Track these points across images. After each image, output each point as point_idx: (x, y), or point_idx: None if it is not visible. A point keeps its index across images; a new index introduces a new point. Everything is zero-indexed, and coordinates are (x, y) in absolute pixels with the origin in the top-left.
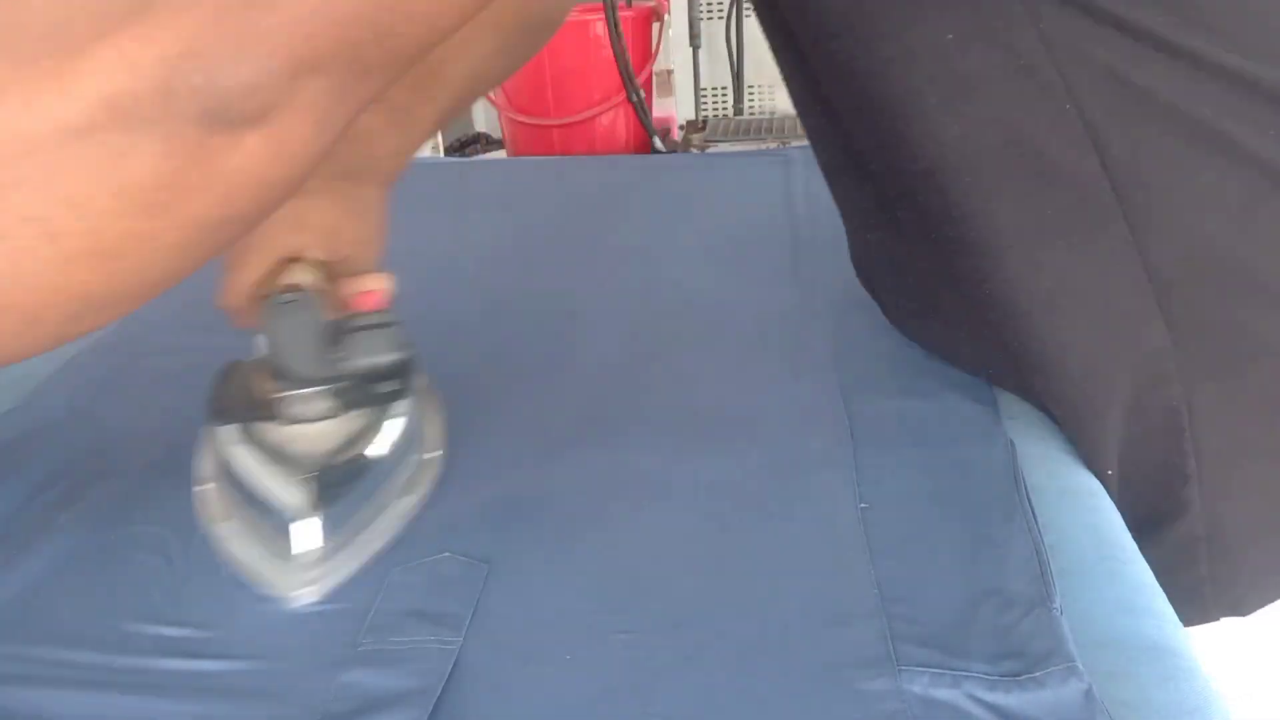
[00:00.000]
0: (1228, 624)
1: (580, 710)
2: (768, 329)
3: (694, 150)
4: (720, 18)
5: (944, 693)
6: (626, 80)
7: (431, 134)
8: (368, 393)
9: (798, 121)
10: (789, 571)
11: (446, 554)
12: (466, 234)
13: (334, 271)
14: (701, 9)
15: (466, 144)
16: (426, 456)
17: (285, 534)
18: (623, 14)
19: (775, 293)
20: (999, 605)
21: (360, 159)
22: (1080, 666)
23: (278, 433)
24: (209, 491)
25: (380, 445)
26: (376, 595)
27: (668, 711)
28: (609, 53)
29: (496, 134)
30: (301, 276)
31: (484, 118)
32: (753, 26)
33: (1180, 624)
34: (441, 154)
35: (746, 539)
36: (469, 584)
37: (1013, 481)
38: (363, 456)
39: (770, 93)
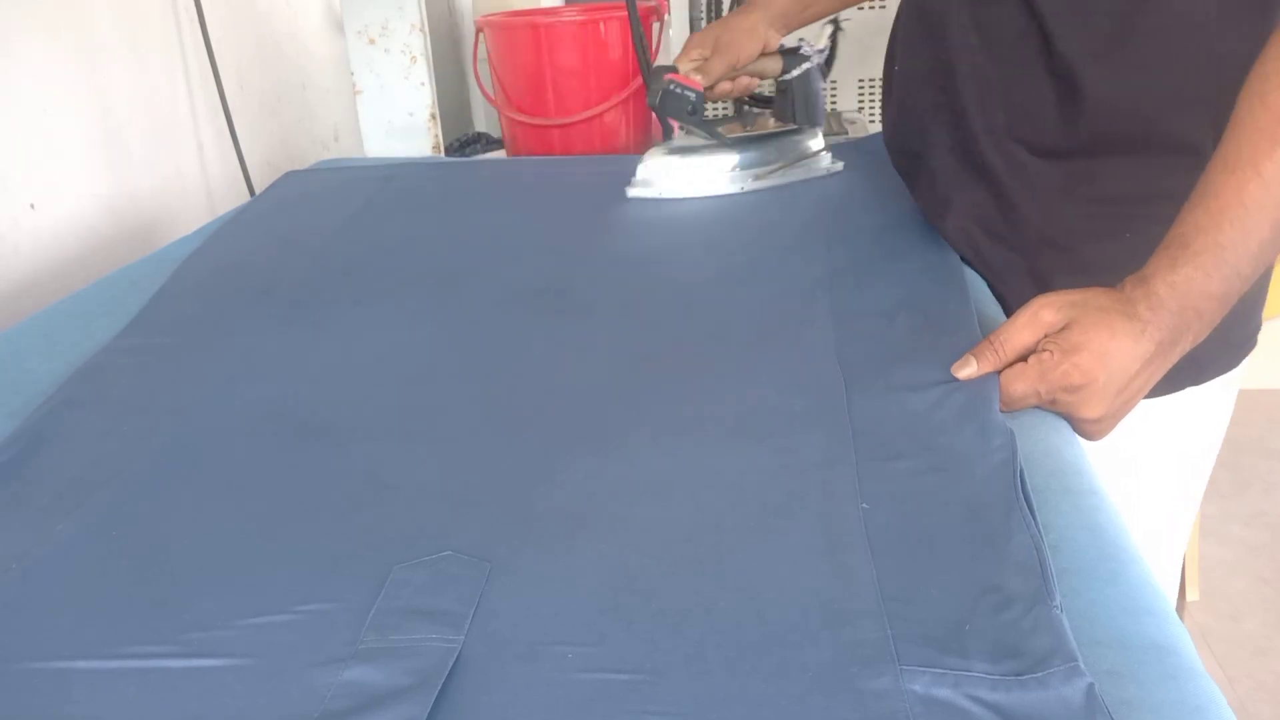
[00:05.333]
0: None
1: (580, 709)
2: (768, 329)
3: None
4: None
5: (945, 692)
6: (644, 69)
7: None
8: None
9: None
10: (789, 571)
11: (449, 552)
12: (466, 233)
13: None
14: (701, 8)
15: (466, 144)
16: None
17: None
18: (622, 14)
19: (775, 293)
20: (999, 604)
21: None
22: (1082, 665)
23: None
24: None
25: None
26: (378, 593)
27: (668, 711)
28: (610, 53)
29: (496, 134)
30: (687, 65)
31: (484, 118)
32: None
33: (1183, 624)
34: (442, 154)
35: (746, 539)
36: (471, 582)
37: (1013, 480)
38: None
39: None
